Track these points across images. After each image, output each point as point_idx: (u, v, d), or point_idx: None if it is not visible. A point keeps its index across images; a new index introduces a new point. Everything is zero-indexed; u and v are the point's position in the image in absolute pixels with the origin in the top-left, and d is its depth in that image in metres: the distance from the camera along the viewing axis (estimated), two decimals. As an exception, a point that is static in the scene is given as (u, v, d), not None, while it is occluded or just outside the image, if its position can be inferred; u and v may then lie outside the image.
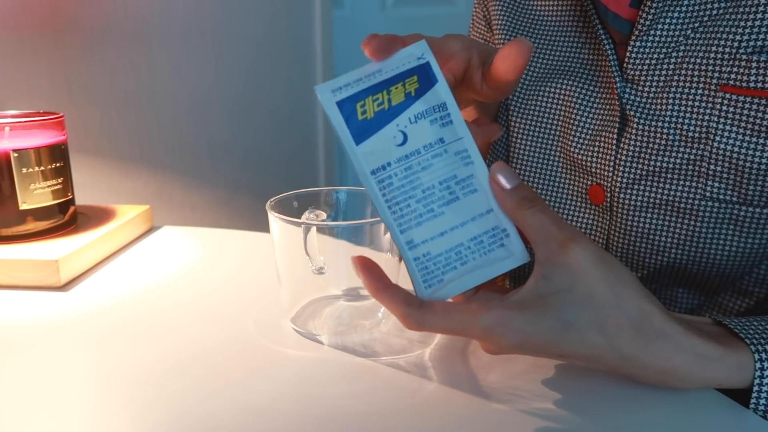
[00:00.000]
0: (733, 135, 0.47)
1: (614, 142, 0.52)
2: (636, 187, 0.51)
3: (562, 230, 0.37)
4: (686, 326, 0.38)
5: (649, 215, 0.52)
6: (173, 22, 1.12)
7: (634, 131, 0.51)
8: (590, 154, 0.54)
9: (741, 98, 0.46)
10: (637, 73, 0.51)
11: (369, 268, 0.40)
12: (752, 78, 0.46)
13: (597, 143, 0.54)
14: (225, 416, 0.37)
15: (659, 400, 0.38)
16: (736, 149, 0.47)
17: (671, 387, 0.38)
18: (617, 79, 0.52)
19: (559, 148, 0.57)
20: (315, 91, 0.38)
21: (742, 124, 0.46)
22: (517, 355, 0.43)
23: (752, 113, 0.46)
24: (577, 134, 0.55)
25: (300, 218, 0.45)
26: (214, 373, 0.42)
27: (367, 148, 0.39)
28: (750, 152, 0.46)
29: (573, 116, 0.55)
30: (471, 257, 0.39)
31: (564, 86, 0.56)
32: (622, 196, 0.52)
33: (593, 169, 0.54)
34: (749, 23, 0.46)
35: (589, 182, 0.55)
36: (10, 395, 0.39)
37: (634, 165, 0.51)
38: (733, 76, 0.46)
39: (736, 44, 0.46)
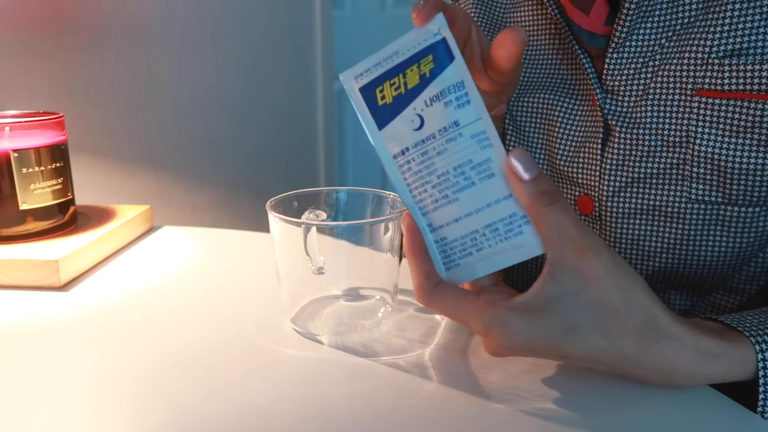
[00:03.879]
0: (712, 137, 0.47)
1: (599, 151, 0.52)
2: (623, 194, 0.52)
3: (582, 235, 0.36)
4: (691, 326, 0.38)
5: (637, 221, 0.52)
6: (173, 22, 1.12)
7: (617, 140, 0.51)
8: (576, 165, 0.55)
9: (717, 101, 0.47)
10: (616, 83, 0.51)
11: (414, 231, 0.40)
12: (726, 81, 0.46)
13: (582, 154, 0.54)
14: (225, 416, 0.37)
15: (659, 400, 0.38)
16: (716, 151, 0.47)
17: (674, 384, 0.38)
18: (597, 90, 0.52)
19: (545, 161, 0.58)
20: (340, 78, 0.39)
21: (721, 126, 0.47)
22: (517, 355, 0.43)
23: (729, 115, 0.47)
24: (562, 146, 0.56)
25: (300, 218, 0.45)
26: (214, 373, 0.42)
27: (388, 134, 0.39)
28: (731, 153, 0.47)
29: (556, 129, 0.56)
30: (486, 244, 0.39)
31: (546, 100, 0.57)
32: (609, 204, 0.52)
33: (580, 180, 0.54)
34: (718, 28, 0.47)
35: (577, 193, 0.55)
36: (10, 395, 0.39)
37: (620, 173, 0.52)
38: (707, 80, 0.47)
39: (707, 49, 0.47)
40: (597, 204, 0.54)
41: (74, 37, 1.01)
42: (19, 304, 0.53)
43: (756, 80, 0.45)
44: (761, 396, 0.38)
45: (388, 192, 0.49)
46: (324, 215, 0.47)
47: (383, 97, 0.38)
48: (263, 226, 0.51)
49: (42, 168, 0.60)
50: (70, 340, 0.47)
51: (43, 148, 0.60)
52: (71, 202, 0.64)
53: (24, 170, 0.59)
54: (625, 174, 0.51)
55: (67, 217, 0.63)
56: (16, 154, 0.58)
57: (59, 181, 0.62)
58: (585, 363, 0.38)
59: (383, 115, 0.39)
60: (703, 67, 0.47)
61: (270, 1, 1.29)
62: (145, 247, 0.67)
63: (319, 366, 0.42)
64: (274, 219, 0.45)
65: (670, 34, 0.49)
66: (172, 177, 1.18)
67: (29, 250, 0.57)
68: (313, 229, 0.44)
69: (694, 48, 0.48)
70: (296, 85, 1.41)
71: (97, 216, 0.68)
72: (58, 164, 0.61)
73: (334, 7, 1.61)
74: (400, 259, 0.48)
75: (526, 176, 0.36)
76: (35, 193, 0.60)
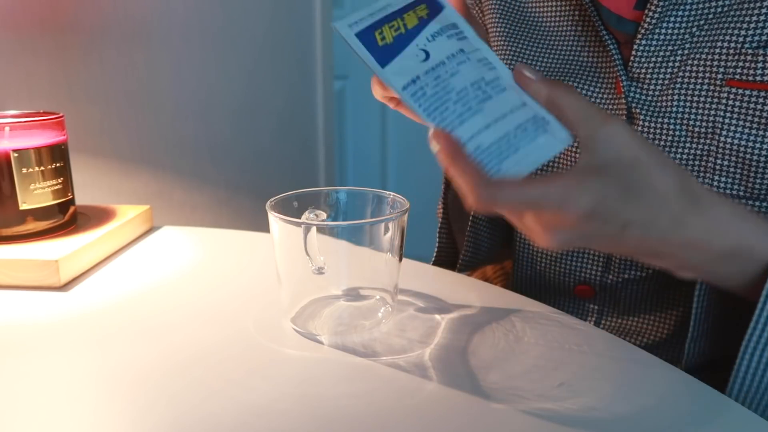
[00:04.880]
0: (739, 129, 0.47)
1: None
2: None
3: (601, 110, 0.38)
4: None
5: None
6: (173, 22, 1.12)
7: (640, 128, 0.51)
8: None
9: (747, 92, 0.46)
10: (643, 71, 0.51)
11: (448, 140, 0.39)
12: (758, 72, 0.46)
13: None
14: (225, 416, 0.37)
15: (659, 401, 0.38)
16: (743, 143, 0.47)
17: (705, 261, 0.40)
18: (623, 78, 0.52)
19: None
20: (333, 29, 0.42)
21: (749, 118, 0.46)
22: (517, 355, 0.43)
23: (759, 106, 0.46)
24: None
25: (300, 218, 0.45)
26: (214, 373, 0.42)
27: (394, 69, 0.40)
28: (757, 146, 0.46)
29: None
30: (520, 144, 0.39)
31: None
32: None
33: None
34: (754, 18, 0.46)
35: None
36: (10, 395, 0.39)
37: None
38: (738, 70, 0.47)
39: (741, 39, 0.46)
40: None
41: (74, 37, 1.01)
42: (19, 304, 0.53)
43: None
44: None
45: (388, 192, 0.49)
46: (324, 215, 0.47)
47: (383, 38, 0.41)
48: (263, 226, 0.51)
49: (42, 168, 0.60)
50: (70, 340, 0.47)
51: (43, 148, 0.60)
52: (71, 202, 0.64)
53: (24, 170, 0.59)
54: None
55: (67, 217, 0.63)
56: (16, 154, 0.58)
57: (59, 181, 0.62)
58: (639, 230, 0.38)
59: (385, 55, 0.41)
60: (736, 57, 0.47)
61: (270, 1, 1.29)
62: (145, 247, 0.67)
63: (319, 366, 0.42)
64: (274, 219, 0.45)
65: (701, 22, 0.49)
66: (172, 177, 1.18)
67: (29, 250, 0.57)
68: (313, 229, 0.44)
69: (727, 37, 0.47)
70: (296, 85, 1.41)
71: (97, 216, 0.68)
72: (58, 164, 0.61)
73: (334, 7, 1.60)
74: (401, 259, 0.48)
75: (534, 76, 0.39)
76: (35, 193, 0.60)
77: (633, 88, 0.52)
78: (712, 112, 0.48)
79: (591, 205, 0.36)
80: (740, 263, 0.40)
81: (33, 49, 0.99)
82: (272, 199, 0.47)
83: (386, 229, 0.45)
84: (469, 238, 0.65)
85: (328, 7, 1.46)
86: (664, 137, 0.50)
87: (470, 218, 0.64)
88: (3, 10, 0.95)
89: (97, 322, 0.49)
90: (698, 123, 0.49)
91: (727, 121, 0.47)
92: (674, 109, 0.49)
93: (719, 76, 0.47)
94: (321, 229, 0.44)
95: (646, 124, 0.51)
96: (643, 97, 0.51)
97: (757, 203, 0.48)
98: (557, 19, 0.59)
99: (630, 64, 0.51)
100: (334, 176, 1.61)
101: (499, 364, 0.42)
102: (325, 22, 1.45)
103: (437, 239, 0.70)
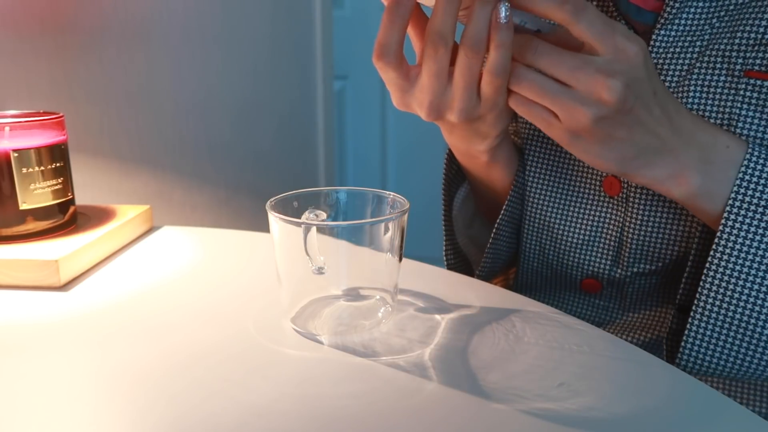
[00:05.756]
0: (756, 120, 0.47)
1: None
2: None
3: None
4: None
5: (666, 206, 0.51)
6: (173, 22, 1.12)
7: None
8: None
9: (766, 83, 0.46)
10: (660, 61, 0.51)
11: None
12: None
13: None
14: (225, 416, 0.37)
15: (659, 401, 0.38)
16: (759, 135, 0.47)
17: (702, 144, 0.45)
18: None
19: None
20: None
21: (766, 110, 0.46)
22: (517, 355, 0.43)
23: None
24: None
25: (300, 218, 0.45)
26: (214, 373, 0.42)
27: None
28: None
29: None
30: None
31: None
32: (639, 187, 0.51)
33: None
34: None
35: (604, 173, 0.54)
36: (10, 395, 0.39)
37: None
38: (758, 61, 0.46)
39: (762, 30, 0.46)
40: (625, 185, 0.53)
41: (74, 37, 1.01)
42: (19, 304, 0.53)
43: None
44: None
45: (388, 192, 0.50)
46: (324, 215, 0.47)
47: None
48: (263, 226, 0.52)
49: (42, 168, 0.60)
50: (70, 340, 0.47)
51: (43, 148, 0.60)
52: (71, 202, 0.64)
53: (24, 170, 0.59)
54: None
55: (67, 217, 0.63)
56: (16, 154, 0.58)
57: (59, 181, 0.62)
58: (664, 99, 0.43)
59: None
60: (755, 48, 0.46)
61: (270, 1, 1.29)
62: (145, 247, 0.67)
63: (319, 366, 0.42)
64: (274, 219, 0.45)
65: (722, 13, 0.49)
66: (172, 177, 1.18)
67: (29, 250, 0.57)
68: (313, 229, 0.44)
69: (747, 28, 0.47)
70: (296, 85, 1.41)
71: (97, 216, 0.68)
72: (58, 164, 0.61)
73: (334, 7, 1.61)
74: (400, 259, 0.48)
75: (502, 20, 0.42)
76: (35, 193, 0.60)
77: None
78: (729, 104, 0.48)
79: (625, 79, 0.40)
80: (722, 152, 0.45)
81: (33, 49, 0.98)
82: (272, 199, 0.47)
83: (386, 229, 0.45)
84: (488, 253, 0.63)
85: (328, 8, 1.46)
86: None
87: (493, 231, 0.62)
88: (3, 10, 0.95)
89: (97, 322, 0.49)
90: (714, 114, 0.48)
91: (743, 113, 0.47)
92: (690, 100, 0.49)
93: (737, 67, 0.47)
94: (321, 229, 0.44)
95: None
96: None
97: None
98: None
99: None
100: (334, 176, 1.61)
101: (499, 364, 0.42)
102: (325, 22, 1.45)
103: (444, 260, 0.68)
